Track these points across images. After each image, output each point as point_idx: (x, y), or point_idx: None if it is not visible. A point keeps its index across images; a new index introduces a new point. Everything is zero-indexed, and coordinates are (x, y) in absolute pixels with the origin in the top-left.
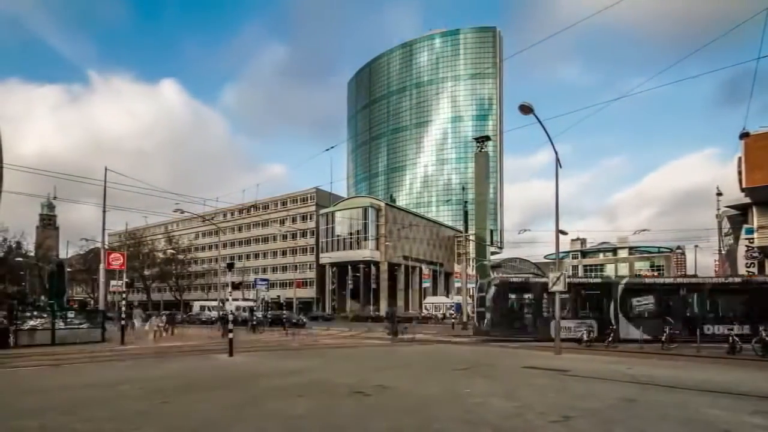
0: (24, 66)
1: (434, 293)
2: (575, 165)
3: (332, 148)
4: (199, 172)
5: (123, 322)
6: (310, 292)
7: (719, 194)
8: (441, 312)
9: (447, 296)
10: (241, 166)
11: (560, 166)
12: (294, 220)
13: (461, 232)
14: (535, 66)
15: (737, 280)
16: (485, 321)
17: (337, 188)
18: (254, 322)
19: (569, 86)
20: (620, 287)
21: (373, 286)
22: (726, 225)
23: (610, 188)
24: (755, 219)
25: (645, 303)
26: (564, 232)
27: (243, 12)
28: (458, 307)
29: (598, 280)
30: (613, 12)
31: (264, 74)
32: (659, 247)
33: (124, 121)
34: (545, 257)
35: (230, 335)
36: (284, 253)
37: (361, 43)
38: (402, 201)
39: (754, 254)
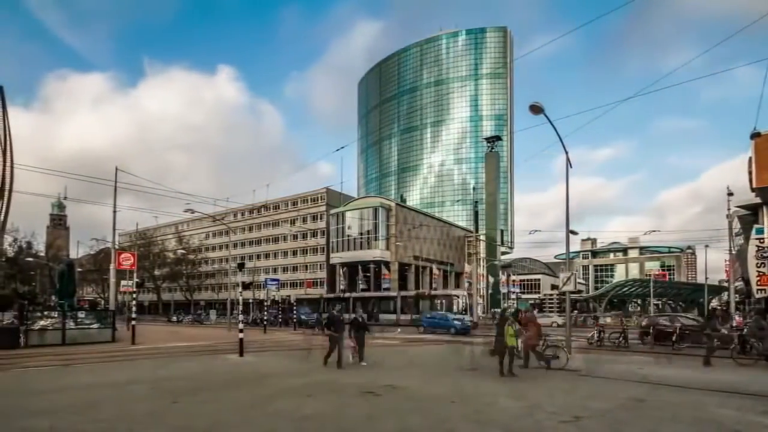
0: (73, 53)
1: None
2: (634, 162)
3: (343, 148)
4: (248, 167)
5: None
6: (320, 292)
7: (730, 194)
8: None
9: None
10: (292, 163)
11: (570, 166)
12: (304, 220)
13: (472, 232)
14: (569, 62)
15: None
16: None
17: (348, 188)
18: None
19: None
20: None
21: (384, 286)
22: (737, 225)
23: (664, 186)
24: (765, 219)
25: None
26: (574, 232)
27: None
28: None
29: None
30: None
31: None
32: (669, 247)
33: (178, 112)
34: (555, 257)
35: (240, 335)
36: (295, 253)
37: (369, 43)
38: (413, 201)
39: (765, 254)
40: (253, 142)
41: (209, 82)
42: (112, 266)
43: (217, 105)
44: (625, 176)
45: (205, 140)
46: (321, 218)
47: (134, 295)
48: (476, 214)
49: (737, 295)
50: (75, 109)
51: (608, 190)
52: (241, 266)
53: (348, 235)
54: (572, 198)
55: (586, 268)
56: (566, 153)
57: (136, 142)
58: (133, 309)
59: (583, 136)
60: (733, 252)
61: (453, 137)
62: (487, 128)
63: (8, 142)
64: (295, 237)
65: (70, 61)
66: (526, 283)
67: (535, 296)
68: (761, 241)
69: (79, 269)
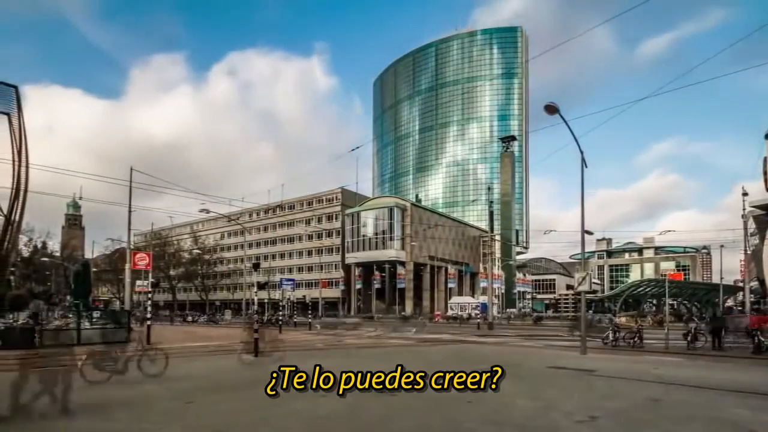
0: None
1: (460, 293)
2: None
3: (357, 148)
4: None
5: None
6: (335, 293)
7: (745, 194)
8: (466, 312)
9: (473, 296)
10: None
11: (586, 166)
12: (320, 220)
13: (487, 231)
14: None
15: None
16: None
17: (363, 188)
18: None
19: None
20: None
21: (399, 286)
22: (752, 225)
23: (746, 179)
24: None
25: None
26: (589, 233)
27: None
28: (484, 307)
29: None
30: None
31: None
32: (685, 247)
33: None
34: (571, 257)
35: (255, 335)
36: (310, 253)
37: (379, 44)
38: (429, 201)
39: None
40: (334, 135)
41: (295, 65)
42: (127, 266)
43: (302, 92)
44: (707, 170)
45: (284, 131)
46: (336, 218)
47: (149, 295)
48: (491, 214)
49: (752, 295)
50: (147, 95)
51: (682, 189)
52: (256, 266)
53: (363, 235)
54: (640, 197)
55: (601, 268)
56: (581, 153)
57: (207, 130)
58: (149, 309)
59: (673, 128)
60: (748, 252)
61: (471, 137)
62: (507, 127)
63: (23, 142)
64: (310, 237)
65: (147, 44)
66: (541, 283)
67: (551, 296)
68: None
69: (95, 269)
